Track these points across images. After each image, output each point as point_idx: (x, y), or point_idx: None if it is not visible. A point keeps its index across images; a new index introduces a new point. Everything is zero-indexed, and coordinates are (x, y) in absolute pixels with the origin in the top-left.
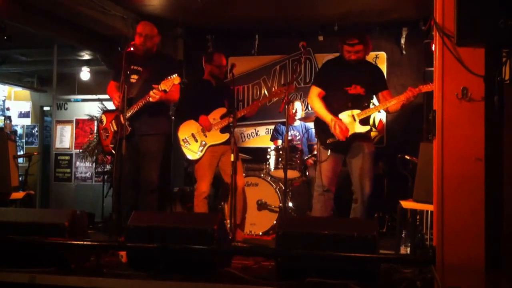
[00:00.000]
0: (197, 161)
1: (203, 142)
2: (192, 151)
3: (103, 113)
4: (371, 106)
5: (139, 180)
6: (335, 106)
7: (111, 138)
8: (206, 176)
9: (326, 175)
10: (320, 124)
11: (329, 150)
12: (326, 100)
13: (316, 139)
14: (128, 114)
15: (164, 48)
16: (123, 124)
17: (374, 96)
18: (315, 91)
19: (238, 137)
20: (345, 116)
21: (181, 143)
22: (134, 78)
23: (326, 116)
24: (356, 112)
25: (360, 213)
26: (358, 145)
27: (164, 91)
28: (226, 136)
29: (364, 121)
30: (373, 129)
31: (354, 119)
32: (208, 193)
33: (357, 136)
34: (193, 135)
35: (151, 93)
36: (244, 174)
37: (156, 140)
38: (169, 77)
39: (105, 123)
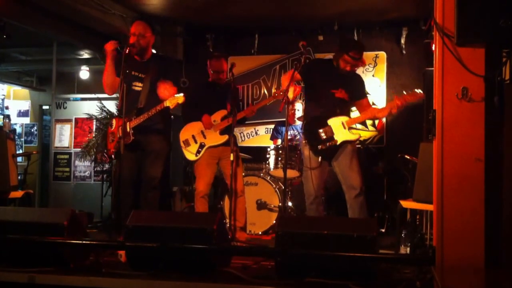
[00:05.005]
0: (195, 161)
1: (202, 143)
2: (191, 152)
3: (114, 118)
4: (352, 113)
5: (141, 179)
6: (322, 108)
7: (115, 142)
8: (203, 176)
9: (316, 182)
10: (310, 130)
11: (320, 157)
12: (314, 100)
13: None
14: (135, 123)
15: (164, 47)
16: (127, 132)
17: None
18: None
19: (238, 137)
20: (334, 122)
21: (182, 144)
22: (137, 85)
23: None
24: (345, 119)
25: (358, 207)
26: (342, 146)
27: (168, 108)
28: (225, 138)
29: (352, 128)
30: (373, 129)
31: (344, 127)
32: (206, 193)
33: (345, 141)
34: (193, 137)
35: (157, 107)
36: (243, 174)
37: (160, 138)
38: (174, 96)
39: (114, 127)
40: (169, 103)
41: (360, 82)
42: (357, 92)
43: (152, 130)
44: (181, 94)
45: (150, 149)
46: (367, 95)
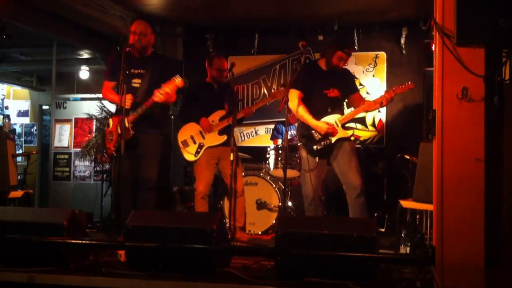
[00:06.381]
0: (194, 162)
1: (201, 144)
2: (190, 152)
3: (111, 117)
4: (345, 109)
5: (138, 179)
6: (314, 109)
7: (114, 141)
8: (203, 176)
9: (314, 184)
10: (304, 132)
11: (317, 158)
12: (306, 103)
13: None
14: (133, 118)
15: (163, 47)
16: (126, 127)
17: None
18: (296, 94)
19: (237, 137)
20: (327, 121)
21: (180, 145)
22: (136, 82)
23: (314, 122)
24: (337, 117)
25: (359, 208)
26: (340, 144)
27: (167, 93)
28: (223, 138)
29: (345, 126)
30: (373, 129)
31: (337, 125)
32: (206, 193)
33: (340, 139)
34: (192, 137)
35: (157, 93)
36: (243, 174)
37: (155, 139)
38: (172, 79)
39: (111, 127)
40: (167, 89)
41: (350, 77)
42: (349, 88)
43: (148, 130)
44: (178, 76)
45: (144, 149)
46: (361, 86)
